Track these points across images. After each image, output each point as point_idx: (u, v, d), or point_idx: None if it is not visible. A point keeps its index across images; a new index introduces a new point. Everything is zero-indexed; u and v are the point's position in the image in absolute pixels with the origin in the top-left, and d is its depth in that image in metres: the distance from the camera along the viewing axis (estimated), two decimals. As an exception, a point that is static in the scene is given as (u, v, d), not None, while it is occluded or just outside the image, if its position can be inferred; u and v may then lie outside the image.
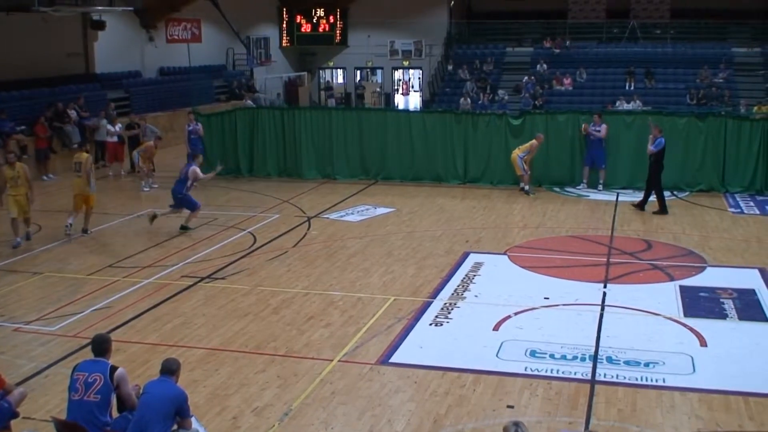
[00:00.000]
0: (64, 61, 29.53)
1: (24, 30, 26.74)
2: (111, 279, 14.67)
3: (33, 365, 10.92)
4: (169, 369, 8.03)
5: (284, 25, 45.05)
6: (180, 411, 7.90)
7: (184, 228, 17.91)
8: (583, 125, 21.94)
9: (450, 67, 41.51)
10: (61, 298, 13.66)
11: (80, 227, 17.91)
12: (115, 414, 8.04)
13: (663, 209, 19.14)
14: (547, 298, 13.26)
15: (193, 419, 8.30)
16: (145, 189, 22.85)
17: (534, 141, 21.59)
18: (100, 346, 8.10)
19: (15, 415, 8.41)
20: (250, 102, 28.46)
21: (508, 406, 9.54)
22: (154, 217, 18.23)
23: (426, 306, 13.02)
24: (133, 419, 7.76)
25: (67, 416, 7.87)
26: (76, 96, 27.86)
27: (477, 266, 15.15)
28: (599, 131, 21.65)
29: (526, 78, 37.88)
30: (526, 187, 21.63)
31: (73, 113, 26.74)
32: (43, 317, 12.78)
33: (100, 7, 28.49)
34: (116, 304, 13.35)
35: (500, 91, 37.03)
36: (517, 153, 21.54)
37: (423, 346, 11.45)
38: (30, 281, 14.69)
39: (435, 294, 13.61)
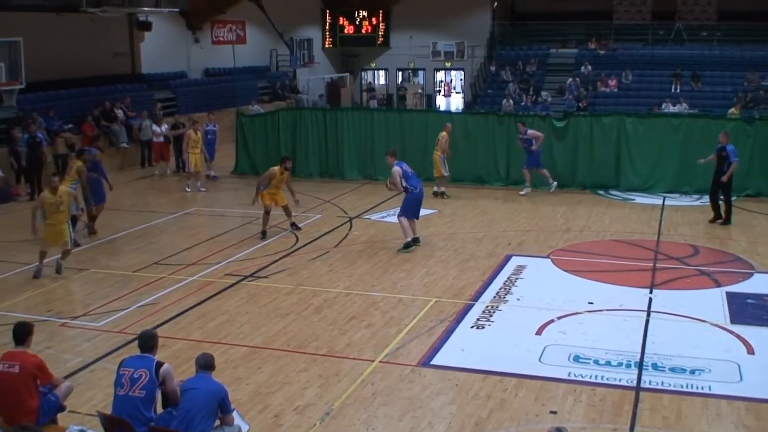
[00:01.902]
0: (111, 61, 29.85)
1: (72, 30, 27.06)
2: (156, 276, 14.82)
3: (79, 360, 11.07)
4: (207, 365, 8.09)
5: (327, 27, 45.15)
6: (222, 406, 7.97)
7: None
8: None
9: (492, 69, 41.31)
10: (107, 295, 13.84)
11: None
12: (159, 410, 8.11)
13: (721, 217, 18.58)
14: (592, 303, 13.15)
15: (235, 413, 8.34)
16: (188, 189, 22.92)
17: (443, 133, 21.53)
18: (147, 342, 8.17)
19: (62, 408, 8.53)
20: (257, 107, 28.46)
21: (552, 412, 9.47)
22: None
23: (468, 308, 12.98)
24: (177, 415, 7.82)
25: (112, 411, 7.95)
26: (123, 96, 28.20)
27: (519, 269, 15.07)
28: (527, 138, 21.56)
29: (570, 79, 37.58)
30: (442, 189, 21.54)
31: (119, 113, 27.05)
32: (90, 313, 12.94)
33: (146, 8, 28.79)
34: (161, 300, 13.49)
35: (543, 93, 36.78)
36: (438, 154, 21.42)
37: (465, 348, 11.41)
38: (77, 277, 14.89)
39: (477, 296, 13.56)
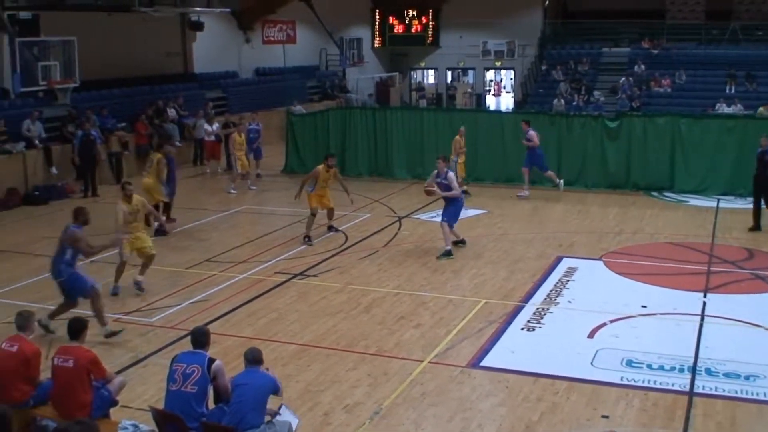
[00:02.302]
0: (163, 60, 30.23)
1: (125, 30, 27.45)
2: (208, 273, 14.98)
3: (132, 355, 11.24)
4: (256, 359, 8.13)
5: (377, 26, 45.26)
6: (274, 394, 8.12)
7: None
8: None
9: (544, 68, 41.07)
10: (159, 291, 14.02)
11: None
12: (211, 405, 8.18)
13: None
14: (645, 306, 13.01)
15: (284, 408, 8.37)
16: (233, 191, 22.76)
17: (457, 137, 21.19)
18: (199, 338, 8.25)
19: (114, 403, 8.65)
20: (300, 108, 28.46)
21: (603, 416, 9.38)
22: None
23: (518, 310, 12.92)
24: (228, 411, 7.88)
25: (164, 406, 8.04)
26: (176, 95, 28.52)
27: (571, 271, 14.96)
28: (530, 140, 21.28)
29: (623, 79, 37.24)
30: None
31: (172, 112, 27.36)
32: (143, 308, 13.12)
33: (198, 8, 29.09)
34: (213, 297, 13.64)
35: (596, 92, 36.46)
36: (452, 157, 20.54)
37: (515, 350, 11.36)
38: (130, 273, 15.03)
39: (527, 298, 13.49)
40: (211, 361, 8.06)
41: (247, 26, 34.79)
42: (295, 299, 13.53)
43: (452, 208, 16.18)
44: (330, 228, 17.85)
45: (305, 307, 13.12)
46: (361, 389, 10.11)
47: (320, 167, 17.32)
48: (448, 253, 15.97)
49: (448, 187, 16.02)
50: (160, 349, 11.40)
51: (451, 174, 16.22)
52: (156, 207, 17.33)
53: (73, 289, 11.86)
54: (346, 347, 11.49)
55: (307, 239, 17.02)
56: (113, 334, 11.73)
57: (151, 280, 14.61)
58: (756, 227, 17.87)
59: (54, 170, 22.65)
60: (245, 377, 8.02)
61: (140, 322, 12.57)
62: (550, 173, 21.69)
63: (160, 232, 17.45)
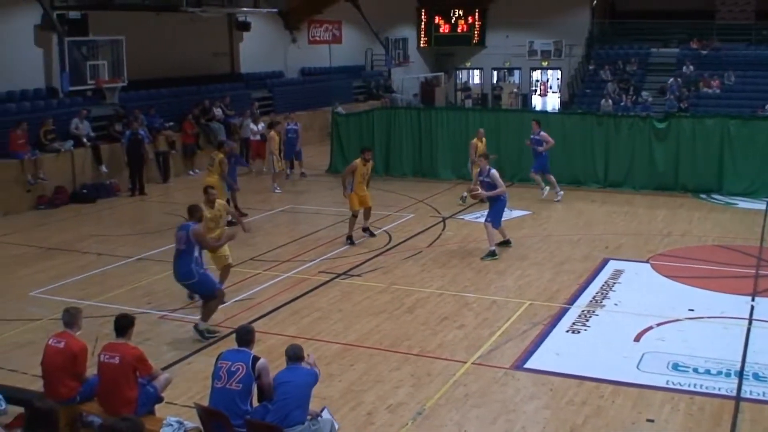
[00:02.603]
0: (210, 60, 30.45)
1: (173, 30, 27.69)
2: (252, 272, 15.09)
3: (177, 352, 11.34)
4: (297, 356, 8.19)
5: (422, 26, 45.22)
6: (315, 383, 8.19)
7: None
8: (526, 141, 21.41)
9: (591, 68, 40.74)
10: (205, 289, 14.08)
11: None
12: (255, 403, 8.23)
13: None
14: (692, 310, 12.86)
15: (325, 411, 8.41)
16: (278, 190, 22.90)
17: (475, 140, 20.87)
18: (244, 336, 8.31)
19: (160, 399, 8.74)
20: (340, 109, 28.44)
21: (648, 420, 9.29)
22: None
23: (563, 312, 12.83)
24: (272, 409, 7.92)
25: (209, 403, 8.10)
26: (222, 95, 28.74)
27: (617, 273, 14.83)
28: (540, 142, 21.02)
29: (671, 79, 36.83)
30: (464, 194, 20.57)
31: (218, 111, 27.56)
32: (188, 306, 13.23)
33: (245, 8, 29.27)
34: (257, 296, 13.74)
35: (644, 93, 36.11)
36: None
37: (560, 353, 11.29)
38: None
39: (572, 300, 13.39)
40: (256, 359, 8.12)
41: (294, 26, 34.96)
42: (338, 299, 13.57)
43: (495, 208, 16.14)
44: (365, 230, 17.53)
45: (349, 307, 13.15)
46: (404, 389, 10.11)
47: (357, 161, 17.20)
48: (492, 254, 15.92)
49: (491, 186, 15.98)
50: (204, 347, 11.50)
51: (494, 172, 16.10)
52: None
53: (203, 289, 11.80)
54: (390, 347, 11.49)
55: (349, 240, 17.01)
56: (209, 332, 11.75)
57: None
58: None
59: (104, 168, 22.93)
60: (287, 375, 8.06)
61: (185, 319, 12.68)
62: (537, 176, 21.40)
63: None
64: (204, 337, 11.69)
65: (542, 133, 21.16)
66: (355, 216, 17.10)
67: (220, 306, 12.32)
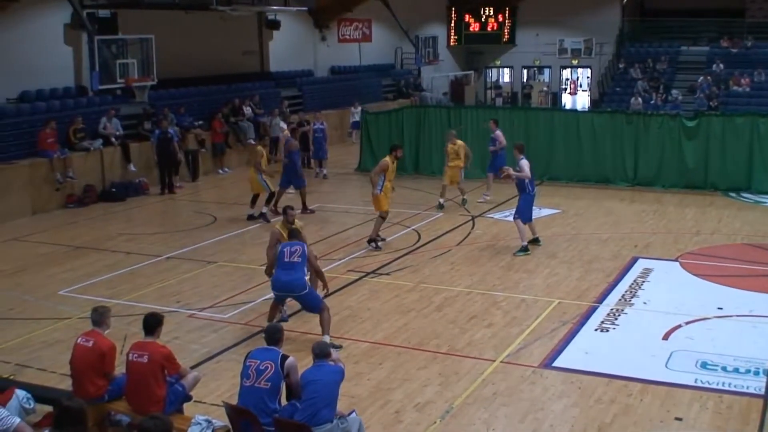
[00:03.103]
0: (240, 59, 30.54)
1: (202, 28, 27.78)
2: (281, 271, 15.06)
3: (206, 350, 11.39)
4: (323, 353, 8.20)
5: (452, 24, 45.15)
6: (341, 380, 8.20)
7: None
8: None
9: (621, 66, 40.52)
10: (234, 287, 14.21)
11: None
12: (283, 402, 8.25)
13: None
14: (721, 309, 12.76)
15: (354, 414, 8.41)
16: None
17: (460, 141, 20.32)
18: (273, 335, 8.33)
19: (188, 398, 8.78)
20: (358, 110, 28.23)
21: (677, 419, 9.23)
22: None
23: (591, 311, 12.77)
24: (301, 407, 7.94)
25: (238, 401, 8.12)
26: (252, 93, 28.82)
27: (646, 272, 14.74)
28: (494, 141, 20.95)
29: (701, 78, 36.52)
30: (442, 201, 20.28)
31: (247, 110, 27.64)
32: (217, 305, 13.30)
33: (275, 7, 29.34)
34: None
35: (674, 91, 35.83)
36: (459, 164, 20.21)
37: (588, 351, 11.24)
38: (205, 270, 15.33)
39: (601, 299, 13.33)
40: (285, 357, 8.14)
41: (323, 25, 35.00)
42: (367, 297, 13.58)
43: (521, 204, 16.17)
44: (371, 242, 16.81)
45: (377, 305, 13.16)
46: (432, 388, 10.11)
47: (387, 159, 16.79)
48: (524, 249, 15.95)
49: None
50: (233, 345, 11.56)
51: (523, 162, 16.08)
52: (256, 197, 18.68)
53: (311, 300, 11.63)
54: (418, 346, 11.49)
55: (374, 243, 16.65)
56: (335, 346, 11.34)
57: (225, 277, 14.86)
58: None
59: (132, 167, 23.06)
60: (315, 373, 8.06)
61: (214, 317, 12.75)
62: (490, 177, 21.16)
63: (264, 217, 18.58)
64: (335, 347, 11.15)
65: (498, 132, 21.11)
66: (383, 218, 16.78)
67: (250, 305, 12.33)
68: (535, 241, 16.49)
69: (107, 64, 23.51)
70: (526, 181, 16.08)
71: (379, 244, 16.71)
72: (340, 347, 11.26)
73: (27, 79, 22.47)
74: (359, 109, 28.70)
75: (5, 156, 20.59)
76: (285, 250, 11.51)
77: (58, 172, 21.08)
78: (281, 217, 13.54)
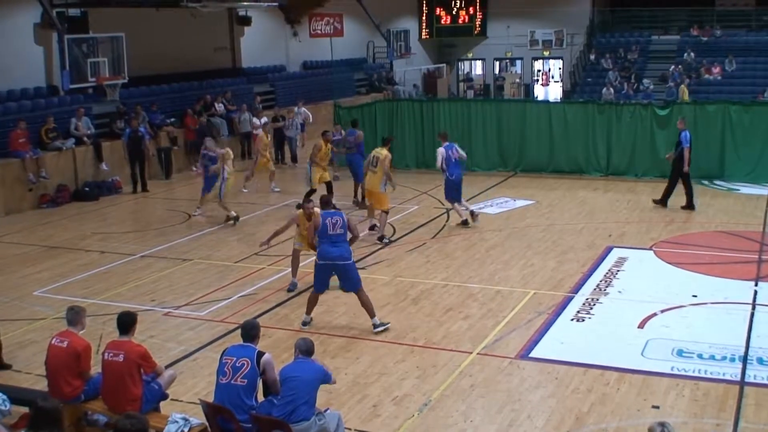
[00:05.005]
0: (211, 55, 30.40)
1: (173, 25, 27.60)
2: (257, 267, 15.07)
3: (182, 348, 11.34)
4: (308, 350, 8.18)
5: (424, 18, 45.10)
6: (324, 382, 8.18)
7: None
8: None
9: (592, 57, 40.64)
10: (209, 285, 14.15)
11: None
12: (260, 398, 8.22)
13: None
14: (695, 296, 12.85)
15: (330, 410, 8.37)
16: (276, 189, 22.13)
17: (384, 150, 17.25)
18: (249, 331, 8.27)
19: (164, 396, 8.73)
20: (304, 110, 27.66)
21: (654, 407, 9.29)
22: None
23: (567, 301, 12.83)
24: (278, 403, 7.91)
25: (214, 399, 8.09)
26: (224, 90, 28.71)
27: (621, 261, 14.82)
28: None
29: (672, 67, 36.71)
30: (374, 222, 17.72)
31: (220, 106, 27.49)
32: (193, 302, 13.24)
33: (246, 3, 29.21)
34: (262, 291, 13.71)
35: (645, 81, 36.02)
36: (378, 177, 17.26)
37: (564, 341, 11.29)
38: (180, 267, 15.24)
39: (576, 289, 13.39)
40: (261, 354, 8.10)
41: (295, 20, 34.83)
42: (342, 292, 13.48)
43: (445, 187, 17.70)
44: (373, 227, 17.25)
45: (353, 299, 13.03)
46: (410, 381, 10.11)
47: (385, 151, 17.09)
48: (464, 223, 17.50)
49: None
50: (209, 343, 11.50)
51: (438, 149, 17.60)
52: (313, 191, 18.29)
53: (353, 273, 11.88)
54: (395, 339, 11.49)
55: (386, 238, 16.73)
56: (382, 324, 11.83)
57: (201, 275, 14.79)
58: None
59: (104, 166, 22.88)
60: (295, 369, 8.03)
61: (190, 315, 12.68)
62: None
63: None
64: (383, 325, 11.81)
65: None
66: (386, 212, 16.88)
67: (226, 302, 12.31)
68: (463, 223, 17.49)
69: (78, 63, 23.27)
70: (443, 166, 17.32)
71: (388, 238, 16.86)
72: (388, 324, 11.77)
73: (-3, 79, 22.28)
74: (303, 110, 27.57)
75: (-23, 157, 20.38)
76: (327, 221, 11.73)
77: (30, 172, 20.89)
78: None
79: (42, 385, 9.08)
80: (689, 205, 18.50)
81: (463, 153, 17.85)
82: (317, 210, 12.55)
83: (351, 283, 11.86)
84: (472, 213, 17.81)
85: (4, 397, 8.56)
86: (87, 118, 23.20)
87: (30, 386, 9.71)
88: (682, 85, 33.20)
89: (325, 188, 18.88)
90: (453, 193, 17.56)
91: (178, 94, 27.38)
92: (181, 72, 28.34)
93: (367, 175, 17.15)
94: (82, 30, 24.15)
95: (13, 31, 22.83)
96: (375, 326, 11.75)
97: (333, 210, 12.08)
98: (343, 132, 22.20)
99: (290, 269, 13.93)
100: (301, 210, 13.54)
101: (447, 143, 17.66)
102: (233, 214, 18.31)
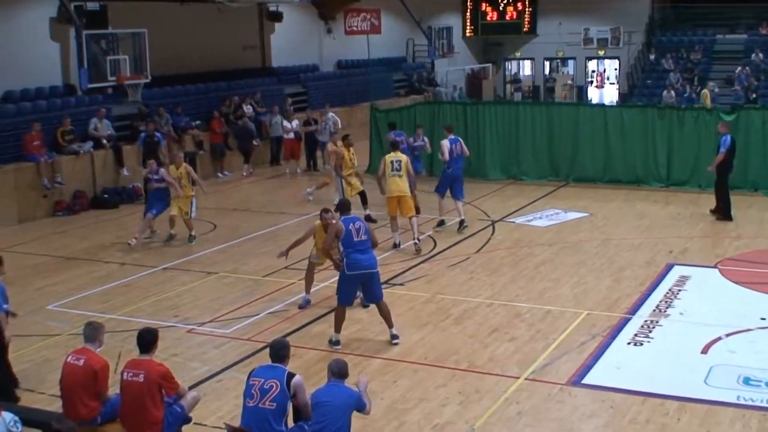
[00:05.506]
0: (240, 54, 30.60)
1: (199, 21, 27.83)
2: (287, 281, 15.13)
3: (206, 368, 11.40)
4: (341, 373, 8.19)
5: (468, 14, 45.15)
6: (358, 409, 8.19)
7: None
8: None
9: (652, 57, 40.49)
10: (236, 300, 14.24)
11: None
12: (290, 423, 8.23)
13: None
14: (764, 319, 12.71)
15: None
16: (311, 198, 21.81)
17: (342, 150, 19.54)
18: (278, 351, 8.29)
19: (187, 420, 8.78)
20: (333, 115, 27.37)
21: (718, 439, 9.21)
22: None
23: (623, 322, 12.74)
24: (310, 429, 7.93)
25: (241, 423, 8.11)
26: (253, 91, 28.86)
27: (682, 280, 14.71)
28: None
29: (739, 68, 36.44)
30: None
31: (248, 108, 27.55)
32: (218, 319, 13.32)
33: (277, -3, 29.42)
34: (292, 307, 13.79)
35: (709, 83, 35.77)
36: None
37: (620, 367, 11.22)
38: (204, 281, 15.35)
39: (634, 310, 13.29)
40: (291, 376, 8.11)
41: (329, 16, 34.95)
42: (364, 308, 13.52)
43: (440, 178, 18.99)
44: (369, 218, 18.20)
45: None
46: (452, 407, 10.09)
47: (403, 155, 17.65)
48: (440, 223, 18.54)
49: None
50: (236, 363, 11.56)
51: (443, 141, 18.46)
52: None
53: (379, 285, 12.28)
54: (435, 362, 11.47)
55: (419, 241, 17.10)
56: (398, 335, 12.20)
57: (227, 289, 14.87)
58: None
59: (125, 171, 23.07)
60: (327, 394, 8.04)
61: (215, 333, 12.76)
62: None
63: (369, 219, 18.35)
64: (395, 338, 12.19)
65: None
66: (418, 214, 17.72)
67: (254, 319, 12.38)
68: (440, 223, 18.53)
69: (97, 60, 23.43)
70: (446, 158, 18.16)
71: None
72: (397, 339, 12.06)
73: (11, 77, 22.53)
74: (330, 114, 26.95)
75: (-11, 160, 20.63)
76: (350, 228, 11.93)
77: (45, 177, 21.14)
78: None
79: (56, 406, 9.16)
80: (721, 213, 18.71)
81: (466, 149, 19.05)
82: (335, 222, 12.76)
83: (376, 294, 12.11)
84: (461, 222, 18.50)
85: (16, 418, 8.60)
86: (107, 120, 23.38)
87: (44, 407, 9.79)
88: (705, 90, 32.84)
89: (360, 199, 19.05)
90: (443, 186, 18.59)
91: (203, 96, 27.57)
92: (208, 71, 28.53)
93: (390, 182, 17.20)
94: (102, 25, 24.34)
95: (28, 27, 23.09)
96: (393, 337, 12.09)
97: (353, 215, 12.32)
98: (426, 139, 21.79)
99: (306, 284, 14.01)
100: (319, 221, 13.62)
101: (452, 136, 18.73)
102: (174, 233, 18.14)
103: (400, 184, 17.13)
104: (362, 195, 19.33)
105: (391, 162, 17.26)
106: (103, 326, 9.07)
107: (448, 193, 18.63)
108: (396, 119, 25.10)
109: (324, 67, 35.29)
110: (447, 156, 18.20)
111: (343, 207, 12.60)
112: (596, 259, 16.15)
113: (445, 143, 18.32)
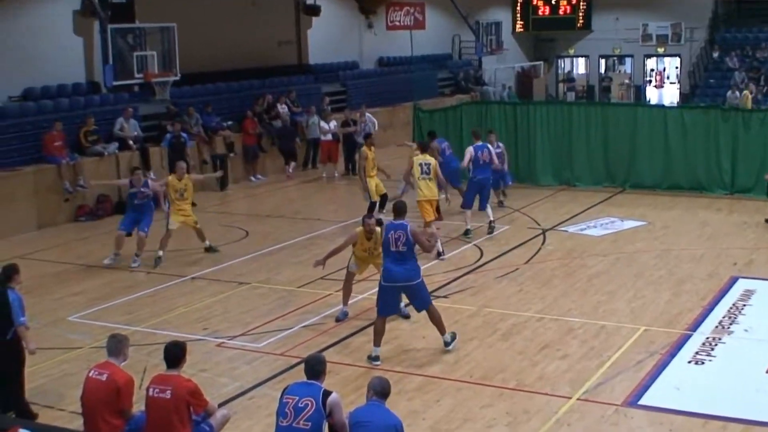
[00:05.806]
0: (275, 50, 30.74)
1: (231, 16, 28.00)
2: (323, 292, 15.15)
3: (237, 385, 11.43)
4: (383, 391, 8.10)
5: (518, 8, 45.15)
6: None
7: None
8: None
9: (715, 54, 40.28)
10: (269, 312, 14.28)
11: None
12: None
13: None
14: (837, 336, 12.58)
15: None
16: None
17: (368, 153, 20.10)
18: (314, 367, 8.29)
19: (217, 439, 8.80)
20: (370, 116, 27.29)
21: (787, 466, 9.10)
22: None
23: (684, 339, 12.65)
24: (345, 452, 7.92)
25: (273, 444, 8.13)
26: (288, 89, 28.93)
27: (747, 294, 14.58)
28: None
29: (810, 68, 36.18)
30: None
31: (283, 108, 27.64)
32: (249, 332, 13.36)
33: (315, -10, 29.53)
34: (329, 320, 13.79)
35: (750, 85, 35.46)
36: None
37: (680, 387, 11.15)
38: (235, 292, 15.42)
39: (695, 326, 13.19)
40: (327, 393, 8.10)
41: (370, 10, 35.09)
42: (421, 324, 13.46)
43: (467, 189, 19.16)
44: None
45: (434, 333, 13.05)
46: (498, 429, 10.06)
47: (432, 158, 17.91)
48: (465, 233, 18.53)
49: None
50: (268, 379, 11.59)
51: (468, 149, 18.78)
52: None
53: (423, 293, 12.40)
54: (481, 380, 11.45)
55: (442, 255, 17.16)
56: (450, 341, 12.37)
57: (259, 301, 14.92)
58: None
59: (152, 175, 23.16)
60: (367, 413, 7.99)
61: (246, 347, 12.80)
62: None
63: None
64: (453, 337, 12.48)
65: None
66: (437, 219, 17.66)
67: (287, 332, 12.41)
68: (465, 233, 18.52)
69: (123, 56, 23.57)
70: (469, 166, 18.63)
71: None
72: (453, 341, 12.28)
73: (31, 74, 22.69)
74: (367, 115, 27.36)
75: (7, 162, 20.79)
76: (390, 236, 12.11)
77: (67, 180, 21.24)
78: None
79: (77, 424, 9.21)
80: None
81: (496, 159, 19.11)
82: (379, 230, 12.99)
83: (422, 302, 12.29)
84: (490, 224, 18.87)
85: (35, 436, 8.72)
86: (134, 120, 23.51)
87: (63, 425, 9.87)
88: (746, 91, 32.42)
89: (379, 200, 19.54)
90: (470, 195, 18.89)
91: (236, 95, 27.73)
92: (240, 69, 28.68)
93: (420, 186, 17.31)
94: (128, 19, 24.35)
95: (50, 20, 23.19)
96: (446, 344, 12.26)
97: (399, 222, 12.27)
98: (500, 144, 21.32)
99: (343, 295, 14.04)
100: (360, 228, 13.62)
101: (479, 143, 19.04)
102: (161, 254, 17.67)
103: (431, 188, 17.33)
104: (383, 198, 19.45)
105: (420, 165, 17.33)
106: (128, 339, 9.11)
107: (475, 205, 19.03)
108: (441, 120, 25.13)
109: (364, 65, 35.40)
110: (466, 164, 18.72)
111: (396, 210, 12.56)
112: (654, 271, 16.05)
113: (470, 150, 18.71)
